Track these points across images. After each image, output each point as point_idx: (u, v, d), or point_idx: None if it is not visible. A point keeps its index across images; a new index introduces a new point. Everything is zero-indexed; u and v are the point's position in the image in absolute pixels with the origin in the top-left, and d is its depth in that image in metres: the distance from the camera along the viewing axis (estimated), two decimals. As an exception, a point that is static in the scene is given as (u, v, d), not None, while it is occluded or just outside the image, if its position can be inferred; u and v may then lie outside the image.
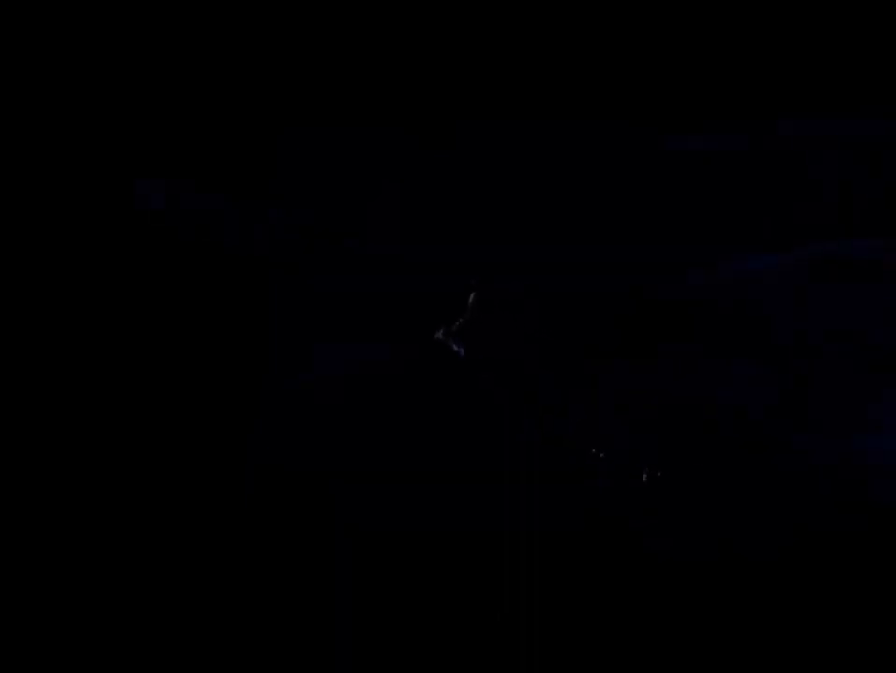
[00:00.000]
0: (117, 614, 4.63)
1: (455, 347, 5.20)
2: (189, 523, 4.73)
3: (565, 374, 5.40)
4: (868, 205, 5.08)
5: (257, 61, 4.59)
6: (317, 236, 5.14)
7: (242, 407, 4.92)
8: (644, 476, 5.32)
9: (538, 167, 4.97)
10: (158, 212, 4.72)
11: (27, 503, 4.67)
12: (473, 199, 5.03)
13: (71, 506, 4.70)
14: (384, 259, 5.19)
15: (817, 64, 4.62)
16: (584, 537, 5.19)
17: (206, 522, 4.73)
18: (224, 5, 4.50)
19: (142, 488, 4.77)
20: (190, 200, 4.95)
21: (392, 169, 4.94)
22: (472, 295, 4.59)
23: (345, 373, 5.11)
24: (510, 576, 4.89)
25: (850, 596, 4.93)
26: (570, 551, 5.14)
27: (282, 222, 5.11)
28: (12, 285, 4.79)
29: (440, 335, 5.09)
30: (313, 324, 5.15)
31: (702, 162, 4.93)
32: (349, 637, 4.59)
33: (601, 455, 5.35)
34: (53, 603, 4.61)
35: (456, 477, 5.02)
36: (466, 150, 4.90)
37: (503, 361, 5.32)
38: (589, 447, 5.32)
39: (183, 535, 4.72)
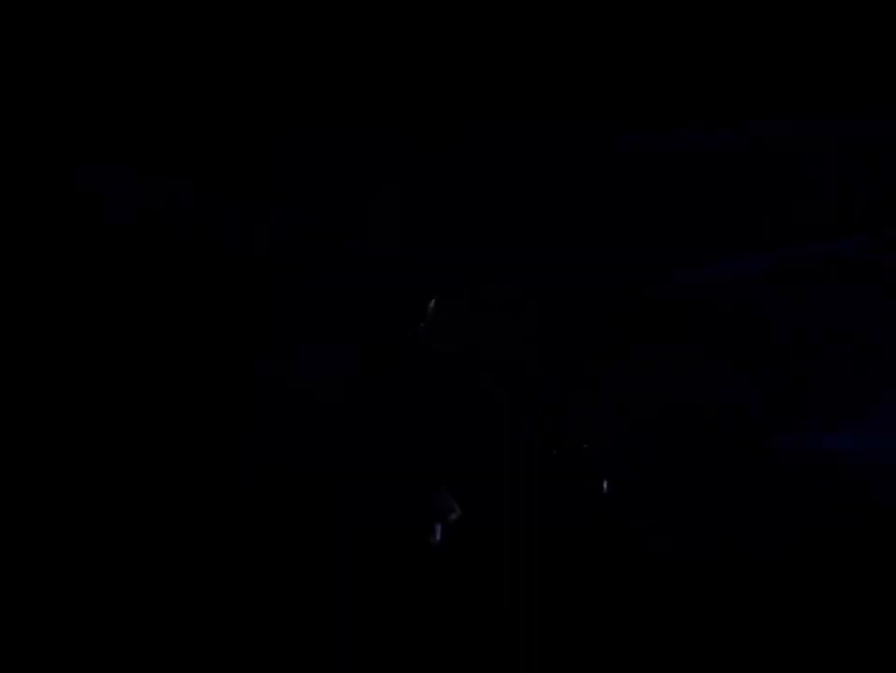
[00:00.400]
0: (117, 614, 4.62)
1: (443, 347, 5.21)
2: (190, 523, 4.73)
3: (565, 374, 5.40)
4: (868, 205, 5.07)
5: (257, 61, 4.58)
6: (317, 236, 5.13)
7: (242, 407, 4.92)
8: (643, 477, 5.32)
9: (539, 167, 4.97)
10: (102, 196, 4.71)
11: (28, 503, 4.67)
12: (473, 199, 5.03)
13: (71, 506, 4.70)
14: (384, 259, 5.19)
15: (817, 63, 4.61)
16: (584, 537, 5.19)
17: (206, 522, 4.73)
18: (224, 5, 4.49)
19: (143, 488, 4.77)
20: (190, 200, 4.95)
21: (392, 169, 4.93)
22: (433, 301, 4.59)
23: (345, 373, 5.11)
24: (510, 576, 4.89)
25: (850, 596, 4.93)
26: (570, 551, 5.14)
27: (282, 222, 5.11)
28: (14, 288, 4.79)
29: (425, 334, 5.09)
30: (313, 324, 5.14)
31: (703, 161, 4.93)
32: (349, 637, 4.60)
33: (601, 455, 5.35)
34: (53, 603, 4.61)
35: (456, 477, 5.02)
36: (466, 150, 4.90)
37: (503, 361, 5.32)
38: (589, 447, 5.32)
39: (184, 534, 4.72)
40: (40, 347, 4.78)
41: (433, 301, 4.55)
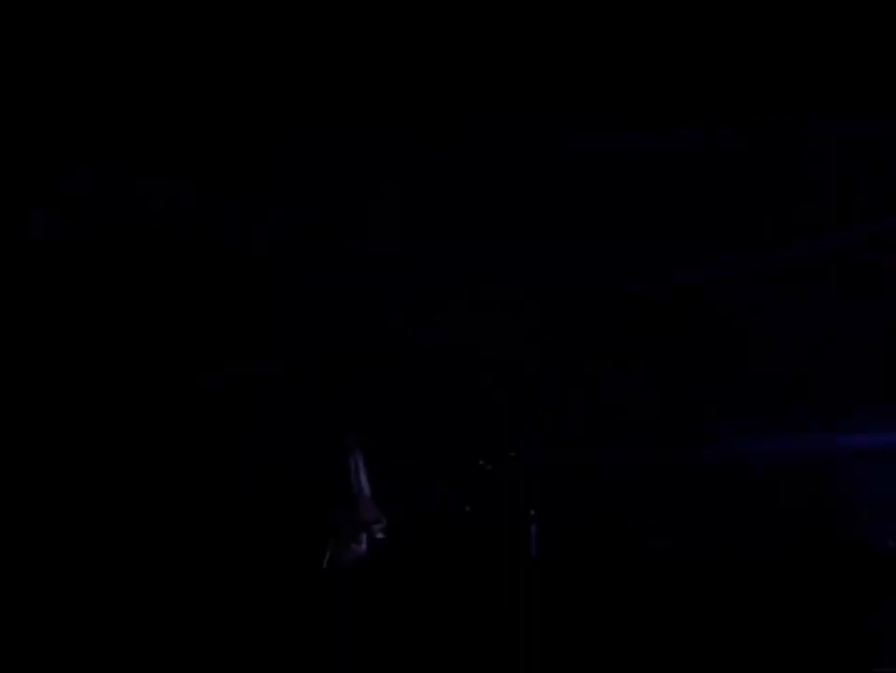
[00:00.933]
0: (117, 614, 4.63)
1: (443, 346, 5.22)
2: (190, 523, 4.73)
3: (565, 374, 5.41)
4: (868, 205, 5.08)
5: (257, 61, 4.57)
6: (317, 236, 5.14)
7: (242, 407, 4.93)
8: (643, 477, 5.33)
9: (538, 167, 4.97)
10: (51, 241, 4.74)
11: (34, 502, 4.67)
12: (473, 199, 5.03)
13: (73, 506, 4.70)
14: (384, 259, 5.19)
15: (817, 63, 4.60)
16: (584, 537, 5.19)
17: (206, 522, 4.73)
18: (225, 5, 4.48)
19: (143, 488, 4.77)
20: (190, 200, 4.95)
21: (392, 169, 4.93)
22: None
23: (344, 373, 5.12)
24: (510, 576, 4.90)
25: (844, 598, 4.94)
26: (570, 551, 5.14)
27: (282, 222, 5.11)
28: (16, 288, 4.80)
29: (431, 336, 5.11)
30: (313, 324, 5.15)
31: (703, 161, 4.94)
32: (349, 636, 4.60)
33: (601, 455, 5.36)
34: (54, 602, 4.62)
35: (456, 477, 5.02)
36: (466, 150, 4.90)
37: (503, 361, 5.33)
38: (589, 447, 5.33)
39: (184, 534, 4.73)
40: (42, 348, 4.79)
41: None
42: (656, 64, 4.53)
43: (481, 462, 4.72)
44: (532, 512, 4.73)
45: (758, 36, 4.51)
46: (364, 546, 4.49)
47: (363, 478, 4.54)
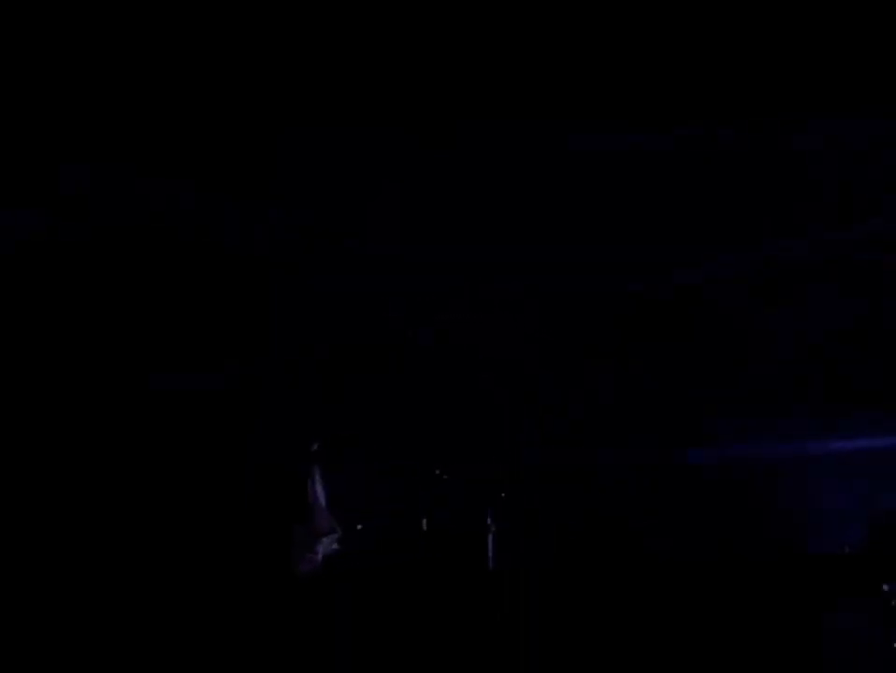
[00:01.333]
0: (117, 614, 4.63)
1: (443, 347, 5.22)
2: (190, 523, 4.73)
3: (565, 374, 5.41)
4: (868, 205, 5.08)
5: (257, 62, 4.57)
6: (317, 236, 5.14)
7: (242, 407, 4.92)
8: (643, 477, 5.32)
9: (538, 168, 4.97)
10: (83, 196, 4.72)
11: (36, 501, 4.68)
12: (473, 199, 5.03)
13: (73, 507, 4.70)
14: (384, 259, 5.19)
15: (817, 64, 4.60)
16: (584, 537, 5.20)
17: (206, 522, 4.73)
18: (225, 6, 4.47)
19: (143, 487, 4.77)
20: (190, 200, 4.95)
21: (392, 169, 4.94)
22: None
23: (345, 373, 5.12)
24: (510, 575, 4.90)
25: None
26: (570, 552, 5.14)
27: (282, 222, 5.11)
28: (17, 287, 4.80)
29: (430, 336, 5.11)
30: (313, 324, 5.15)
31: (703, 161, 4.93)
32: (349, 635, 4.60)
33: (601, 455, 5.36)
34: (55, 602, 4.62)
35: (456, 477, 5.02)
36: (466, 150, 4.90)
37: (503, 361, 5.33)
38: (588, 447, 5.33)
39: (184, 534, 4.73)
40: (42, 348, 4.79)
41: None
42: (655, 65, 4.52)
43: (437, 470, 4.72)
44: (489, 521, 4.72)
45: (757, 37, 4.50)
46: (319, 556, 4.50)
47: (319, 488, 4.56)
